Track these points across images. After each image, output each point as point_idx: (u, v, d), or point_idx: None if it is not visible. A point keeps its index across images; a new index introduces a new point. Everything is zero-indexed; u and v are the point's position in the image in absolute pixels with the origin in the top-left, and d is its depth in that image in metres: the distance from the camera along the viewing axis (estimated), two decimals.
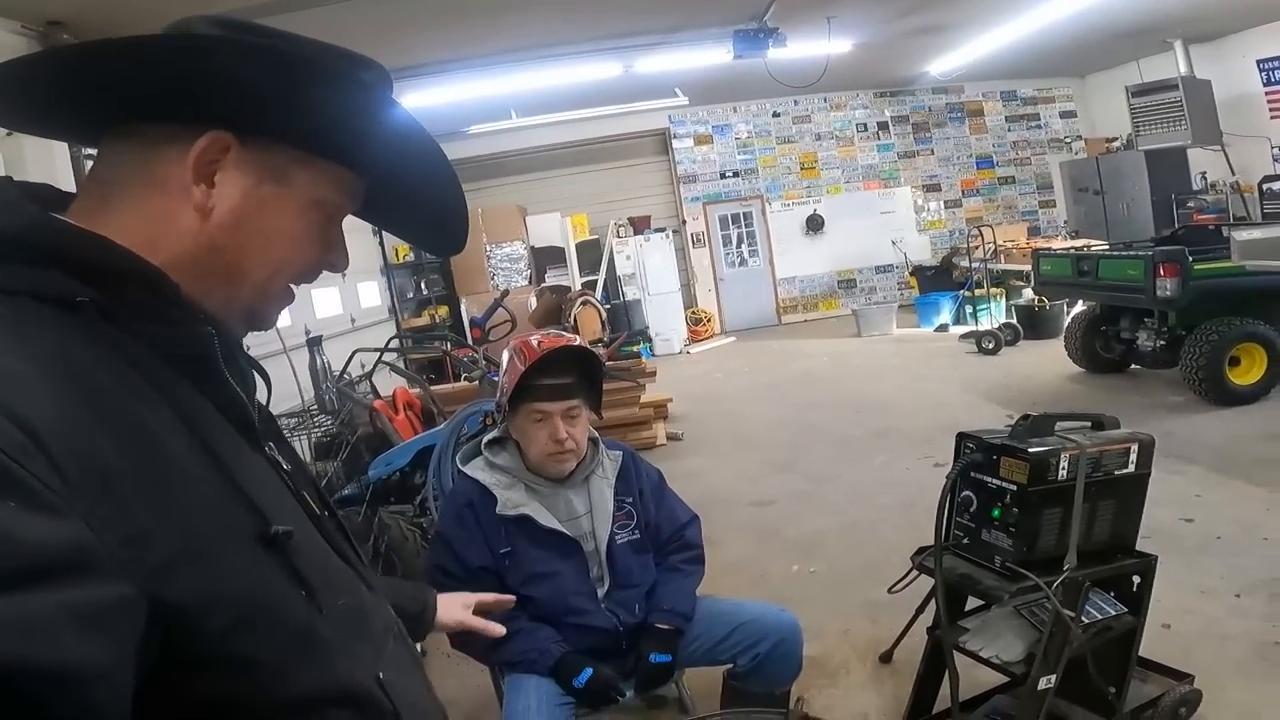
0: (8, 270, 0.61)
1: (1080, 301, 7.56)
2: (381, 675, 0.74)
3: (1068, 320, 7.60)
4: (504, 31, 6.63)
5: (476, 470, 2.12)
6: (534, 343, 2.05)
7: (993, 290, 9.53)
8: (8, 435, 0.49)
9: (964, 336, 9.03)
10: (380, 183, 0.84)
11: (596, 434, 2.21)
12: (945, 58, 10.04)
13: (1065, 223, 11.88)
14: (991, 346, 8.33)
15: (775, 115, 12.29)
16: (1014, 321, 8.98)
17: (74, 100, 0.70)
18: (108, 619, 0.50)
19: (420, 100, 8.30)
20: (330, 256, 0.82)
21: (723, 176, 12.41)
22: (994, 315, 9.26)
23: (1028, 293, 9.16)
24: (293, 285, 0.81)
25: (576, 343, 2.10)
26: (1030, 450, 2.09)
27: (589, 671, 1.92)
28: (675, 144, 12.29)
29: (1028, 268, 8.00)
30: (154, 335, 0.66)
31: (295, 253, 0.78)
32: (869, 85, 11.99)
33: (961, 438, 2.30)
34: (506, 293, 7.11)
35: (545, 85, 8.28)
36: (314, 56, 0.73)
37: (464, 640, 2.02)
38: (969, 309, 9.63)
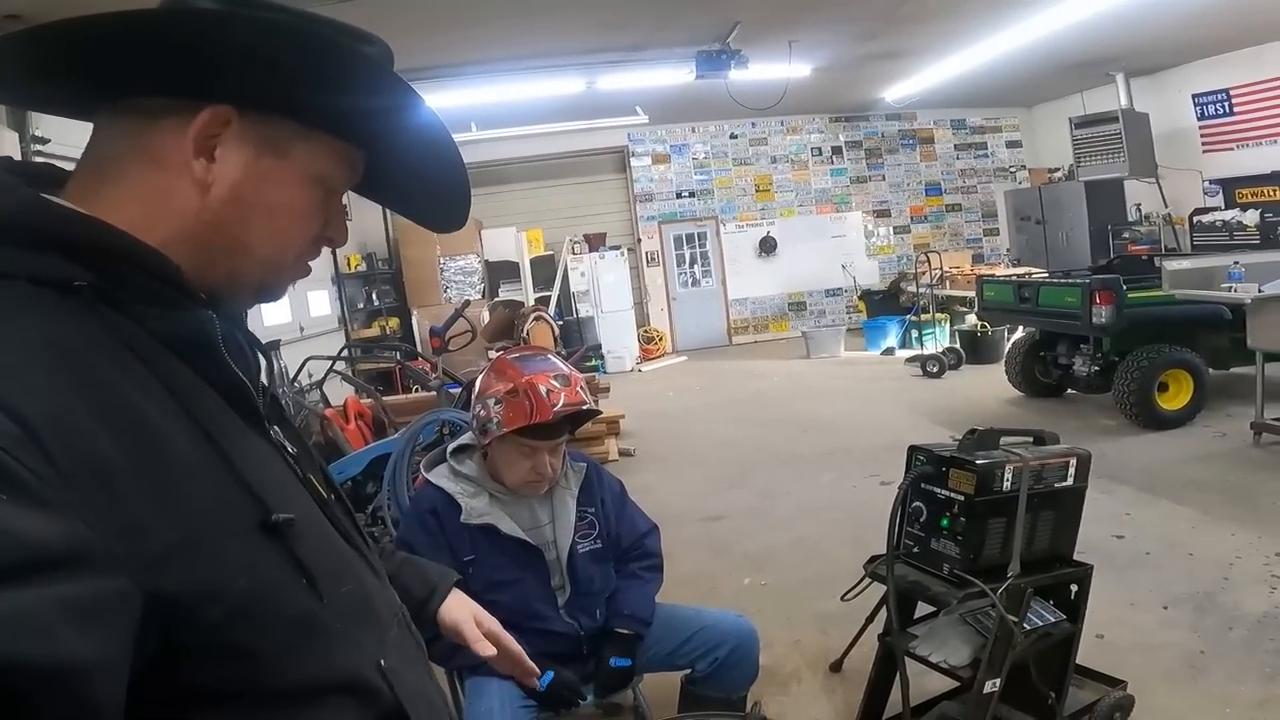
0: (4, 253, 0.59)
1: (1020, 328, 7.82)
2: (384, 663, 0.73)
3: (1008, 346, 7.86)
4: (466, 43, 6.64)
5: (441, 478, 2.12)
6: (544, 392, 1.99)
7: (938, 315, 9.81)
8: (6, 430, 0.49)
9: (909, 360, 9.25)
10: (381, 157, 0.83)
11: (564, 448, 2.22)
12: (901, 84, 10.32)
13: (1008, 250, 12.29)
14: (935, 370, 8.55)
15: (733, 137, 12.49)
16: (957, 346, 9.24)
17: (70, 75, 0.69)
18: (103, 613, 0.49)
19: None
20: (329, 231, 0.81)
21: (679, 196, 12.55)
22: (938, 340, 9.54)
23: (971, 318, 9.43)
24: (305, 259, 0.81)
25: (587, 405, 2.08)
26: (978, 462, 2.18)
27: (550, 675, 1.93)
28: (633, 162, 12.39)
29: (972, 294, 8.26)
30: (153, 319, 0.65)
31: (296, 226, 0.77)
32: (826, 110, 12.25)
33: (913, 450, 2.39)
34: (468, 303, 7.09)
35: (506, 99, 8.29)
36: (315, 29, 0.71)
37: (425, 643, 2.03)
38: (915, 333, 9.88)
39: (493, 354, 7.00)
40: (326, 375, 5.42)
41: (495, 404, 2.04)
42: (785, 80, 8.43)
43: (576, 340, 10.74)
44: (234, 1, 0.69)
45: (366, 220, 11.79)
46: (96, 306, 0.62)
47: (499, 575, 2.05)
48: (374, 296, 11.37)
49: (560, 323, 10.51)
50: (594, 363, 9.56)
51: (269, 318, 8.19)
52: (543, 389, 2.01)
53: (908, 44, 8.15)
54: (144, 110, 0.70)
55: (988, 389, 7.61)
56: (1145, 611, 3.12)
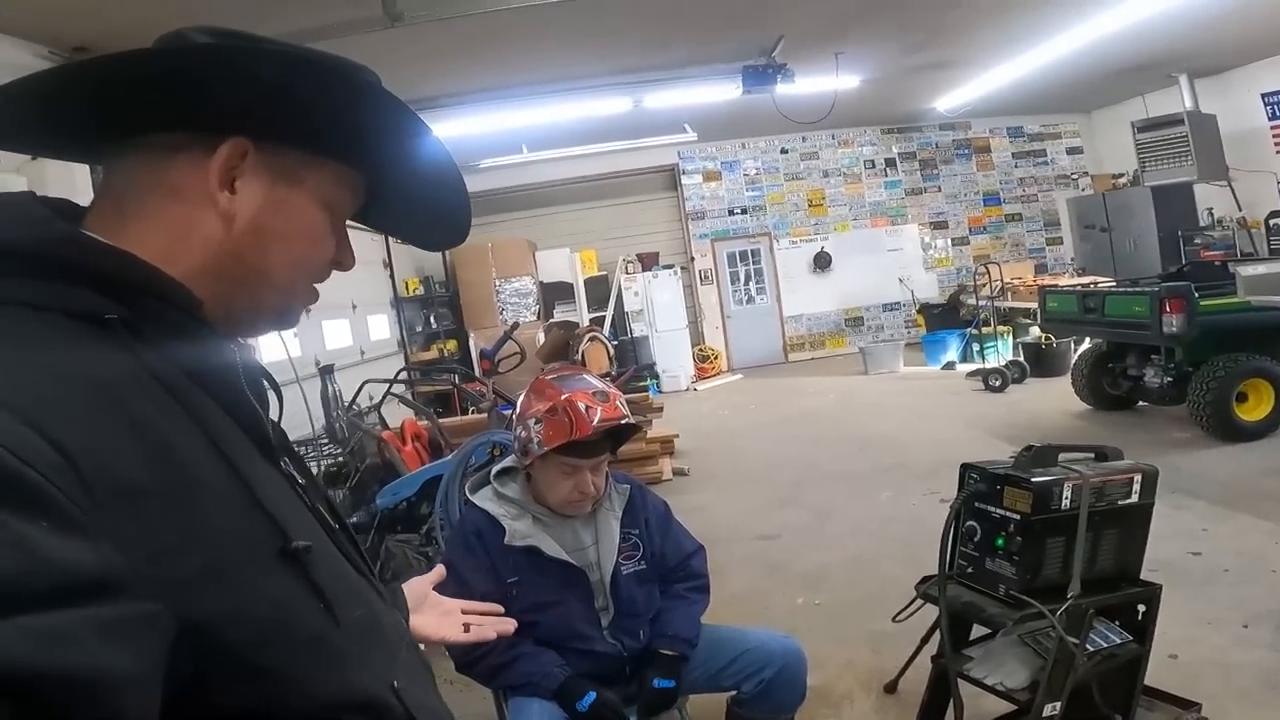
0: (40, 286, 0.62)
1: (1087, 339, 7.57)
2: (396, 684, 0.75)
3: (1074, 357, 7.61)
4: (514, 65, 6.76)
5: (485, 500, 2.13)
6: (582, 409, 1.99)
7: (999, 328, 9.56)
8: (43, 456, 0.50)
9: (970, 374, 9.03)
10: (384, 181, 0.85)
11: (607, 467, 2.22)
12: (952, 94, 10.17)
13: (1072, 260, 11.93)
14: (998, 384, 8.32)
15: (784, 152, 12.43)
16: (1020, 359, 8.98)
17: (83, 116, 0.71)
18: (134, 634, 0.51)
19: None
20: (339, 255, 0.84)
21: (731, 213, 12.52)
22: (1001, 353, 9.28)
23: (1034, 330, 9.17)
24: (315, 284, 0.83)
25: (625, 419, 2.08)
26: (1033, 480, 2.11)
27: (592, 695, 1.92)
28: (684, 180, 12.42)
29: (1034, 305, 8.04)
30: (179, 351, 0.67)
31: (312, 252, 0.80)
32: (876, 121, 12.13)
33: (965, 468, 2.32)
34: (516, 325, 7.16)
35: (556, 120, 8.41)
36: (318, 59, 0.73)
37: (468, 664, 2.03)
38: (976, 347, 9.65)
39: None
40: (384, 398, 5.53)
41: (535, 424, 2.04)
42: (833, 93, 8.37)
43: (631, 360, 10.77)
44: (228, 36, 0.71)
45: None
46: (126, 339, 0.64)
47: (542, 597, 2.05)
48: (432, 319, 11.60)
49: (615, 343, 10.56)
50: (645, 382, 9.55)
51: (330, 341, 8.42)
52: (582, 405, 2.00)
53: (956, 53, 8.04)
54: (160, 146, 0.72)
55: (1053, 402, 7.37)
56: (1222, 630, 2.97)
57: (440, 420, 5.80)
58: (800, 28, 6.57)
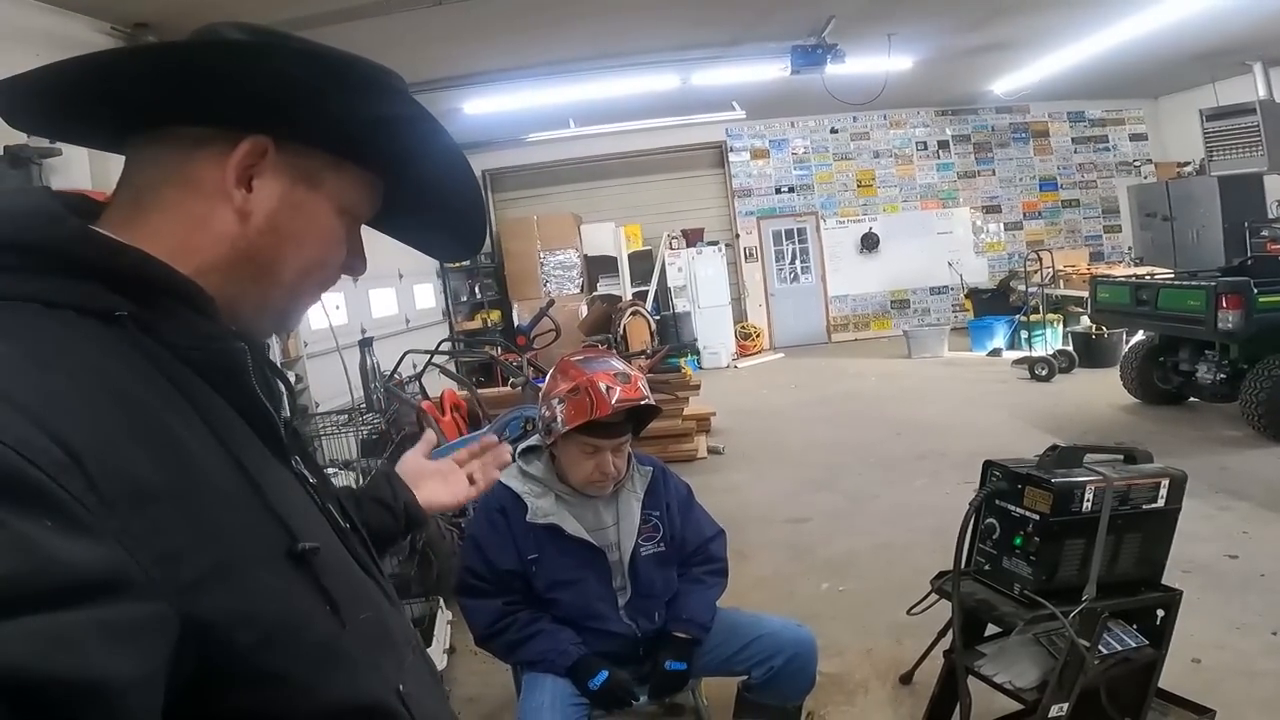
0: (51, 283, 0.61)
1: (1139, 331, 7.38)
2: (402, 688, 0.74)
3: (1125, 349, 7.43)
4: (563, 40, 6.75)
5: (509, 478, 2.17)
6: (603, 389, 2.03)
7: (1050, 316, 9.35)
8: (49, 454, 0.50)
9: (1017, 362, 8.87)
10: (403, 187, 0.84)
11: (629, 449, 2.25)
12: (1010, 76, 9.89)
13: (1130, 249, 11.59)
14: (1044, 373, 8.17)
15: (833, 131, 12.24)
16: (1069, 349, 8.79)
17: (110, 106, 0.70)
18: (140, 635, 0.50)
19: (481, 107, 8.49)
20: (351, 260, 0.83)
21: (778, 191, 12.40)
22: (1049, 342, 9.09)
23: (1085, 320, 8.96)
24: (325, 288, 0.83)
25: (646, 400, 2.12)
26: (1054, 481, 2.10)
27: (605, 674, 1.98)
28: (731, 157, 12.31)
29: (1086, 294, 7.85)
30: (189, 349, 0.67)
31: (325, 255, 0.79)
32: (930, 103, 11.87)
33: (988, 465, 2.32)
34: (552, 302, 7.22)
35: (603, 95, 8.39)
36: (348, 62, 0.72)
37: (487, 638, 2.11)
38: (1024, 334, 9.46)
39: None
40: (425, 368, 5.64)
41: (558, 403, 2.09)
42: (884, 74, 8.19)
43: (672, 336, 10.79)
44: (260, 33, 0.71)
45: None
46: (136, 336, 0.63)
47: (561, 575, 2.11)
48: (476, 290, 11.73)
49: (657, 318, 10.58)
50: (677, 360, 9.56)
51: (376, 309, 8.58)
52: (603, 386, 2.05)
53: (1015, 35, 7.79)
54: (183, 139, 0.71)
55: (1100, 395, 7.21)
56: (1251, 637, 2.92)
57: (480, 391, 5.92)
58: (851, 7, 6.44)
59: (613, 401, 2.03)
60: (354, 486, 2.10)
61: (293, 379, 5.80)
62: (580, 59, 7.24)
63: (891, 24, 7.05)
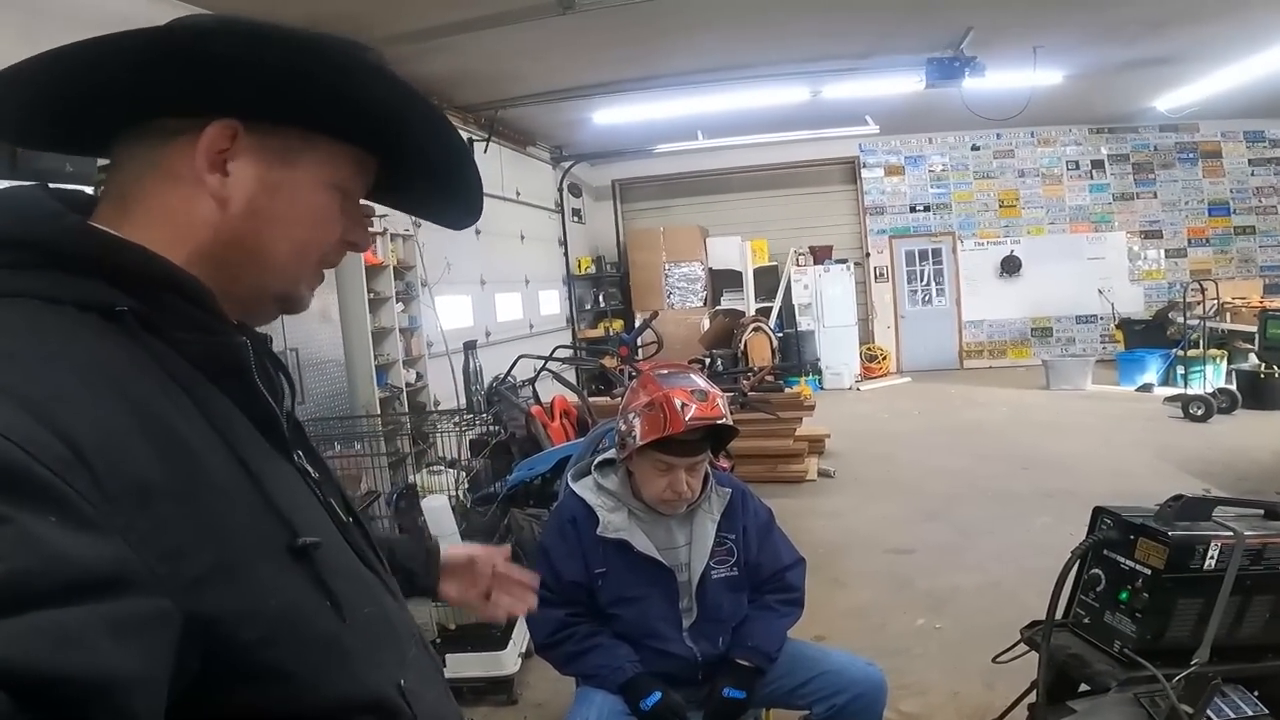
0: (53, 279, 0.62)
1: None
2: (403, 683, 0.74)
3: None
4: (688, 52, 6.75)
5: (585, 490, 2.17)
6: (678, 405, 2.00)
7: (1212, 351, 8.56)
8: (52, 450, 0.50)
9: (1169, 399, 8.17)
10: (390, 159, 0.82)
11: (709, 469, 2.20)
12: (1176, 92, 9.16)
13: None
14: (1200, 413, 7.49)
15: (974, 149, 11.70)
16: (1232, 387, 8.02)
17: (79, 104, 0.70)
18: (144, 631, 0.51)
19: (609, 117, 8.63)
20: (350, 236, 0.81)
21: (912, 210, 11.96)
22: (1209, 379, 8.32)
23: (1254, 357, 8.16)
24: (324, 267, 0.81)
25: (722, 420, 2.07)
26: (1171, 534, 1.90)
27: (658, 695, 1.93)
28: (864, 173, 11.98)
29: (1256, 329, 7.15)
30: (190, 344, 0.67)
31: (314, 234, 0.78)
32: (1083, 120, 11.14)
33: (1099, 512, 2.14)
34: (656, 314, 7.24)
35: (732, 107, 8.34)
36: (313, 38, 0.71)
37: (546, 648, 2.10)
38: (1180, 369, 8.69)
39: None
40: (538, 373, 5.77)
41: (635, 417, 2.06)
42: (1029, 89, 7.76)
43: (795, 354, 10.60)
44: (227, 19, 0.70)
45: (598, 223, 12.43)
46: (137, 331, 0.64)
47: (627, 591, 2.08)
48: (600, 298, 11.92)
49: (780, 335, 10.42)
50: (793, 380, 9.35)
51: (501, 313, 8.86)
52: (678, 402, 2.01)
53: (1179, 49, 7.21)
54: (159, 132, 0.71)
55: (1263, 439, 6.55)
56: None
57: (592, 399, 5.99)
58: (991, 19, 6.13)
59: (686, 419, 1.99)
60: (393, 537, 2.12)
61: (413, 377, 6.09)
62: (708, 70, 7.22)
63: (1038, 36, 6.67)
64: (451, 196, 0.90)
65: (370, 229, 0.85)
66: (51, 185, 0.71)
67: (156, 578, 0.53)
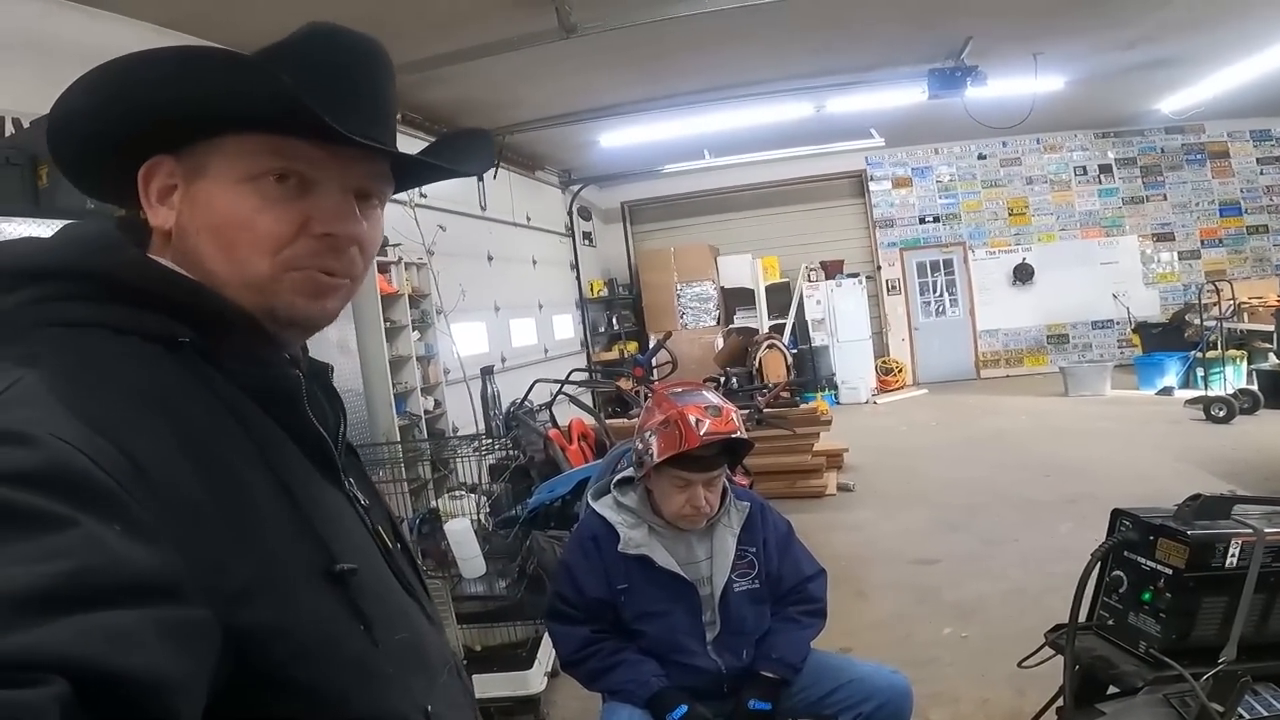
0: (119, 311, 0.67)
1: None
2: (430, 708, 0.75)
3: None
4: (691, 72, 6.82)
5: (605, 507, 2.19)
6: (692, 422, 2.03)
7: (1231, 352, 8.50)
8: (120, 466, 0.55)
9: (1190, 402, 8.09)
10: (301, 130, 0.73)
11: (728, 484, 2.23)
12: (1179, 94, 9.15)
13: None
14: (1223, 414, 7.42)
15: (981, 157, 11.72)
16: (1254, 388, 7.95)
17: (96, 157, 0.77)
18: (192, 639, 0.54)
19: (615, 140, 8.72)
20: (312, 224, 0.74)
21: (922, 221, 11.97)
22: (1230, 380, 8.25)
23: (1274, 357, 8.09)
24: (315, 271, 0.75)
25: (736, 434, 2.10)
26: (1191, 533, 1.90)
27: (684, 709, 1.94)
28: (872, 186, 12.01)
29: (1273, 328, 7.10)
30: (244, 375, 0.71)
31: (250, 233, 0.73)
32: (1088, 125, 11.14)
33: (1117, 514, 2.14)
34: (669, 334, 7.28)
35: (737, 125, 8.42)
36: (169, 53, 0.70)
37: (572, 664, 2.12)
38: (1199, 372, 8.63)
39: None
40: (555, 397, 5.81)
41: (651, 435, 2.09)
42: (1031, 96, 7.79)
43: (810, 370, 10.58)
44: (102, 66, 0.72)
45: (609, 246, 12.50)
46: (196, 361, 0.68)
47: (650, 606, 2.10)
48: (614, 321, 11.96)
49: (794, 351, 10.42)
50: (810, 395, 9.34)
51: (516, 339, 8.93)
52: (693, 419, 2.04)
53: (1180, 51, 7.22)
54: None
55: None
56: None
57: (609, 421, 6.02)
58: (991, 28, 6.18)
59: (701, 434, 2.02)
60: None
61: (431, 404, 6.14)
62: (711, 89, 7.29)
63: (1037, 43, 6.71)
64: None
65: (364, 225, 0.78)
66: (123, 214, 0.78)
67: (200, 588, 0.56)
